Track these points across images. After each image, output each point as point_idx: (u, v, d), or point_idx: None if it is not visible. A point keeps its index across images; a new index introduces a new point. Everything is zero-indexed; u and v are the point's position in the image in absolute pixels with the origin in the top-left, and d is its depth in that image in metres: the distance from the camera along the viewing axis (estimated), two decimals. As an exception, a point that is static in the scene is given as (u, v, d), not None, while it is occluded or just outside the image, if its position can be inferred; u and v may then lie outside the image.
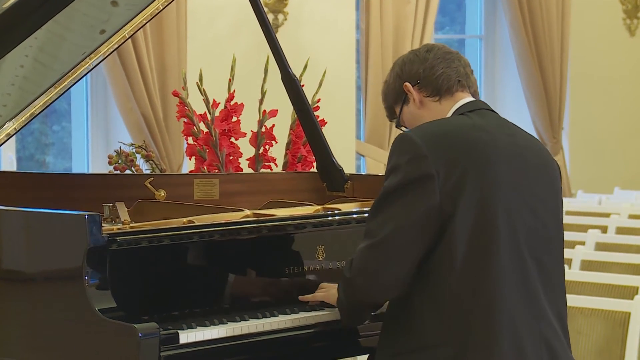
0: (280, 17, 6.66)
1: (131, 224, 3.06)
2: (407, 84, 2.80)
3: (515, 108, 8.83)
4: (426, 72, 2.79)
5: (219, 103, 4.21)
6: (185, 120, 4.22)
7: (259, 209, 3.41)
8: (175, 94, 4.27)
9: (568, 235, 4.16)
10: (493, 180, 2.61)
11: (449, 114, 2.77)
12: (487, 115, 2.76)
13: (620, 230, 6.34)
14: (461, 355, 2.56)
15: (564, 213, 2.80)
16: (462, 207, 2.57)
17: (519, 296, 2.62)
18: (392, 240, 2.60)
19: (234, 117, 4.18)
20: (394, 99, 2.86)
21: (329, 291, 2.97)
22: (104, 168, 5.01)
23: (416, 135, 2.64)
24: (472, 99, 2.80)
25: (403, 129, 2.86)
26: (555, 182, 2.76)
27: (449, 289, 2.58)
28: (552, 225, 2.72)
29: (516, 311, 2.61)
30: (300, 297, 3.00)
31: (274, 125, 4.24)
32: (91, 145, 6.48)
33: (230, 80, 4.26)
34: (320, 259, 3.09)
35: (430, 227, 2.57)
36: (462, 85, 2.80)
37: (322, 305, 3.00)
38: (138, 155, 4.40)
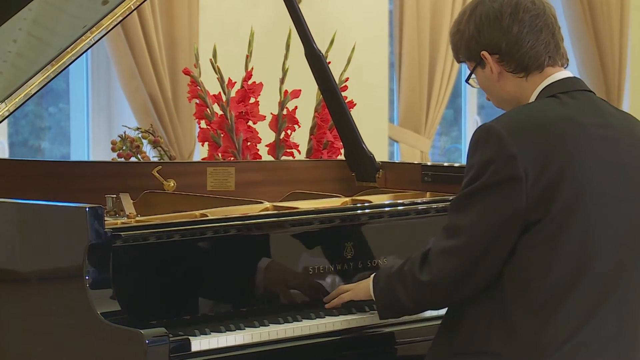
0: (304, -15, 6.65)
1: (137, 218, 3.08)
2: (485, 52, 2.72)
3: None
4: (509, 46, 2.69)
5: (235, 82, 4.22)
6: (198, 101, 4.24)
7: (280, 201, 3.42)
8: (187, 72, 4.28)
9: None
10: (585, 184, 2.56)
11: (537, 91, 2.70)
12: (581, 98, 2.68)
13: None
14: None
15: None
16: (550, 214, 2.54)
17: (603, 334, 2.60)
18: (474, 246, 2.59)
19: (251, 98, 4.19)
20: (466, 56, 2.78)
21: (354, 290, 2.95)
22: (106, 155, 5.04)
23: (503, 128, 2.57)
24: (564, 74, 2.72)
25: (472, 83, 2.81)
26: None
27: (522, 305, 2.58)
28: None
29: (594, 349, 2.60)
30: (326, 306, 2.99)
31: (296, 107, 4.24)
32: (92, 130, 6.49)
33: (247, 56, 4.26)
34: (349, 257, 3.09)
35: (514, 232, 2.56)
36: (552, 60, 2.72)
37: (349, 308, 3.00)
38: (145, 141, 4.42)
